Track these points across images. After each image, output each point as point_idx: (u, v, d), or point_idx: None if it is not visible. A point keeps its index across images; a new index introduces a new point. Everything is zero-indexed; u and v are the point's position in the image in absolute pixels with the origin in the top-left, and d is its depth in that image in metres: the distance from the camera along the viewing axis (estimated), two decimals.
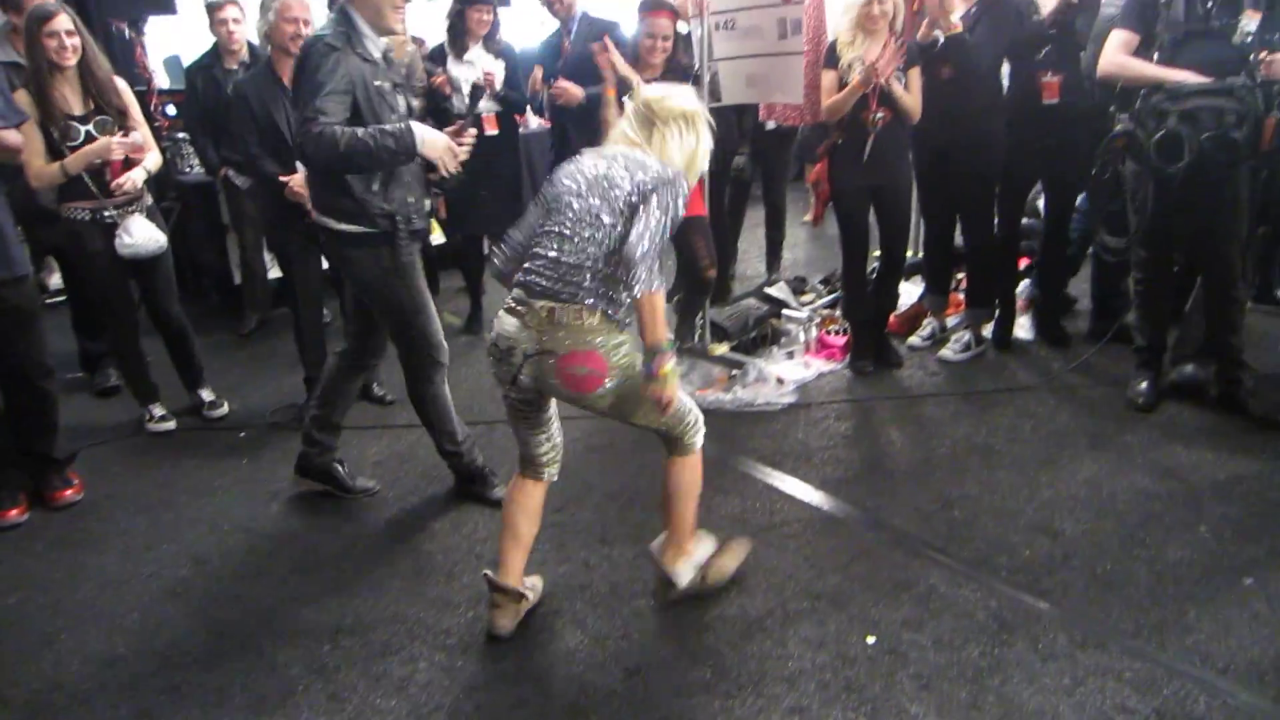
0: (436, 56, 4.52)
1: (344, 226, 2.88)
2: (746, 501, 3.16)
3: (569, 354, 2.31)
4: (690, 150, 2.43)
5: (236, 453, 3.72)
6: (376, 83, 2.73)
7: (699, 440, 2.53)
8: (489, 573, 2.56)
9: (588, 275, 2.30)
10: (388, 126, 2.65)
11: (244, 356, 4.78)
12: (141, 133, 3.61)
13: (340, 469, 3.31)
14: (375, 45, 2.77)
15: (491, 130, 4.54)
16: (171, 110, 5.52)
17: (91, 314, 4.35)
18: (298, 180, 3.58)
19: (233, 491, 3.42)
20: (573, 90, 4.12)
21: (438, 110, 4.53)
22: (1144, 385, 3.65)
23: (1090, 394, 3.79)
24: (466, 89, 4.47)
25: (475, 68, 4.47)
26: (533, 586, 2.67)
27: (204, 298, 5.62)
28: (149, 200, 3.73)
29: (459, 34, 4.45)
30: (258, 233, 4.91)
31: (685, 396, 2.50)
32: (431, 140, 2.70)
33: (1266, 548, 2.73)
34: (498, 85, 4.50)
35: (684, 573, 2.60)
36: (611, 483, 3.35)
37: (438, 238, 5.53)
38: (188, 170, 5.31)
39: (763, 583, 2.71)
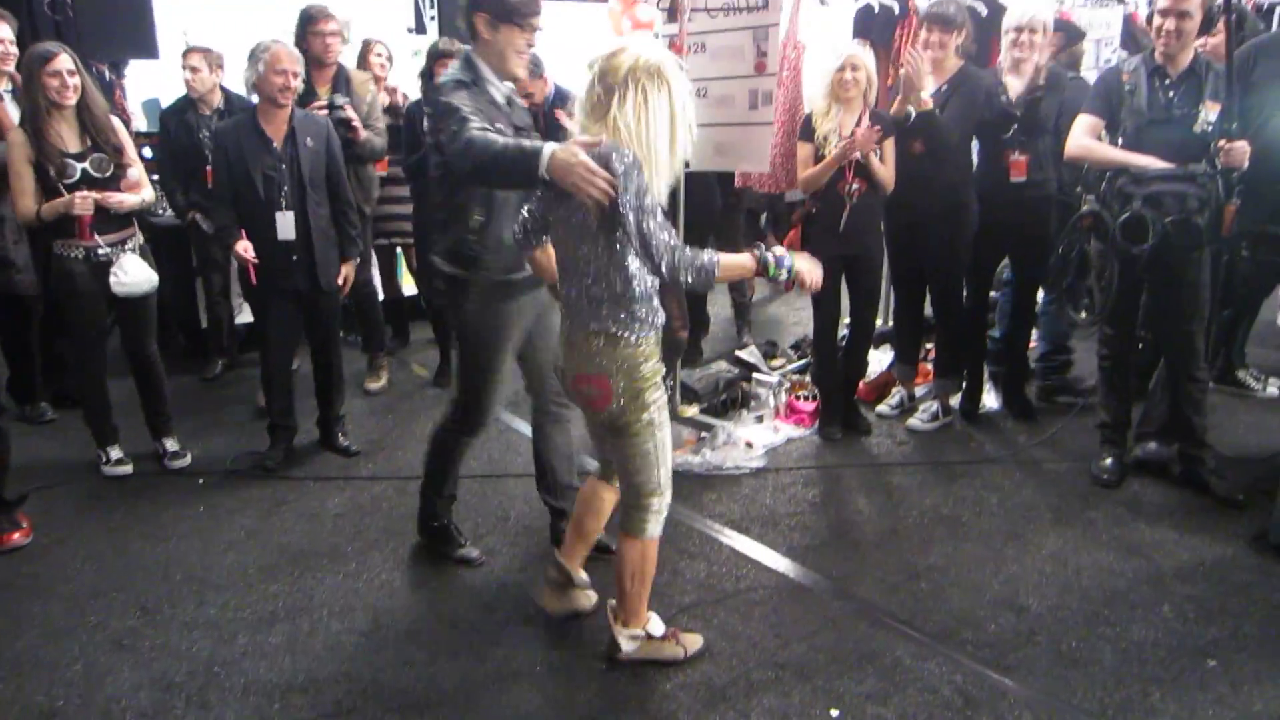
0: (416, 111, 4.54)
1: (455, 270, 2.82)
2: (713, 566, 3.12)
3: (578, 375, 2.36)
4: (657, 115, 2.14)
5: (194, 499, 3.64)
6: (499, 125, 2.59)
7: (653, 527, 2.47)
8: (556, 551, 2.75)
9: (585, 301, 2.30)
10: (525, 142, 2.35)
11: (207, 401, 4.70)
12: (135, 170, 3.62)
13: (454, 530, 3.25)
14: (499, 90, 2.71)
15: None
16: (148, 153, 5.51)
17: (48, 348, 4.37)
18: (241, 248, 3.60)
19: (188, 539, 3.33)
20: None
21: (417, 167, 4.56)
22: (1108, 461, 3.68)
23: (1056, 468, 3.81)
24: None
25: None
26: (586, 588, 2.77)
27: (170, 341, 5.53)
28: (141, 239, 3.71)
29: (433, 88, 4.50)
30: (225, 277, 4.88)
31: (664, 471, 2.43)
32: (561, 161, 2.15)
33: (1229, 630, 2.73)
34: None
35: (627, 644, 2.57)
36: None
37: (409, 289, 5.56)
38: (160, 213, 5.28)
39: (727, 650, 2.67)
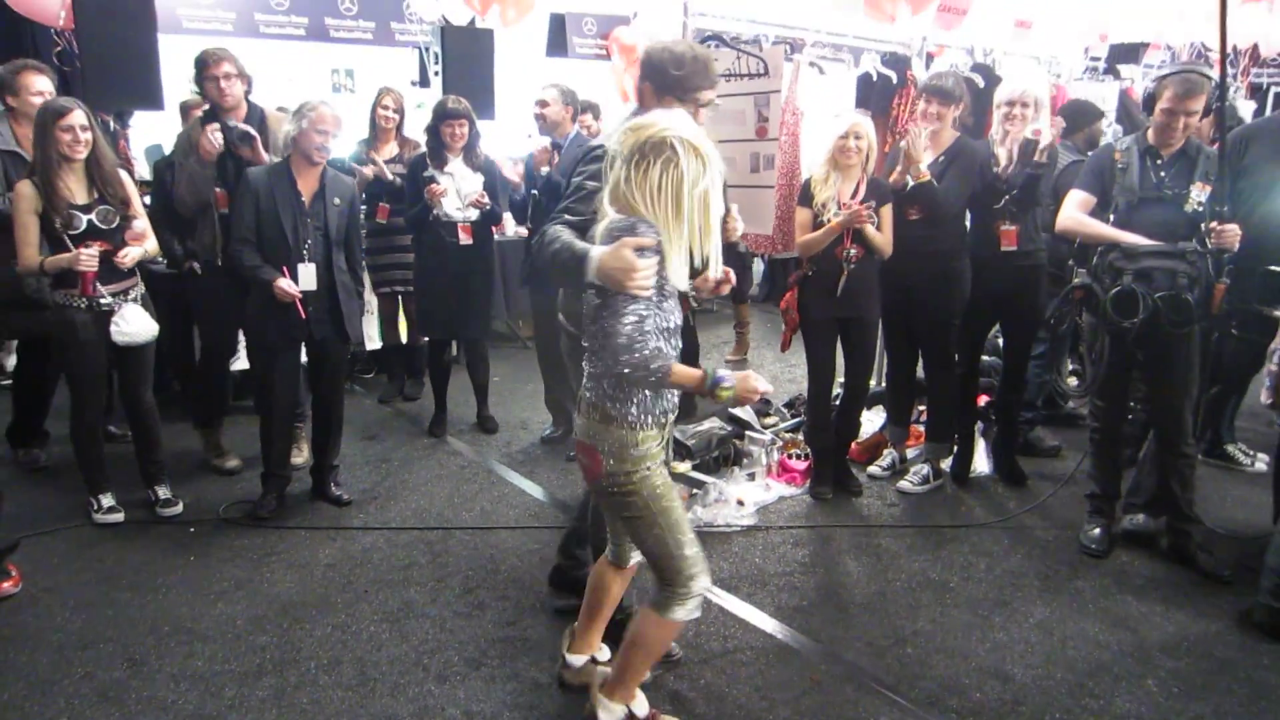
0: (418, 165, 4.64)
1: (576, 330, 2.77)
2: (701, 625, 3.12)
3: (578, 441, 2.38)
4: (665, 184, 2.12)
5: (184, 548, 3.64)
6: None
7: (679, 612, 2.35)
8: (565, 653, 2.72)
9: (584, 372, 2.33)
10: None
11: (201, 448, 4.71)
12: (141, 223, 3.69)
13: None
14: None
15: (466, 239, 4.63)
16: (148, 200, 5.60)
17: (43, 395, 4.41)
18: (285, 284, 3.66)
19: (177, 589, 3.33)
20: None
21: (417, 220, 4.65)
22: (1097, 531, 3.71)
23: (1044, 536, 3.84)
24: (445, 200, 4.58)
25: (455, 179, 4.59)
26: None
27: (165, 387, 5.56)
28: (142, 288, 3.77)
29: (436, 148, 4.59)
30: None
31: (685, 554, 2.33)
32: (604, 264, 2.13)
33: (1212, 707, 2.74)
34: (484, 200, 4.60)
35: (605, 715, 2.49)
36: (566, 597, 3.30)
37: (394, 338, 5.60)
38: (159, 261, 5.34)
39: (712, 712, 2.67)
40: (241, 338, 4.39)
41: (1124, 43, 7.34)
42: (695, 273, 2.32)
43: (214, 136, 3.91)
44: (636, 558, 2.62)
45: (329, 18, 6.63)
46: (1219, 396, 4.16)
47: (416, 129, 5.05)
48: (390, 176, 4.99)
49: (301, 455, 4.26)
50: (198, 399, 4.54)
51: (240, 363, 4.67)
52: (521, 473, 4.45)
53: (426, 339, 5.09)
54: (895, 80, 5.24)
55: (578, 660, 2.73)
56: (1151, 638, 3.10)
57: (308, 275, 3.74)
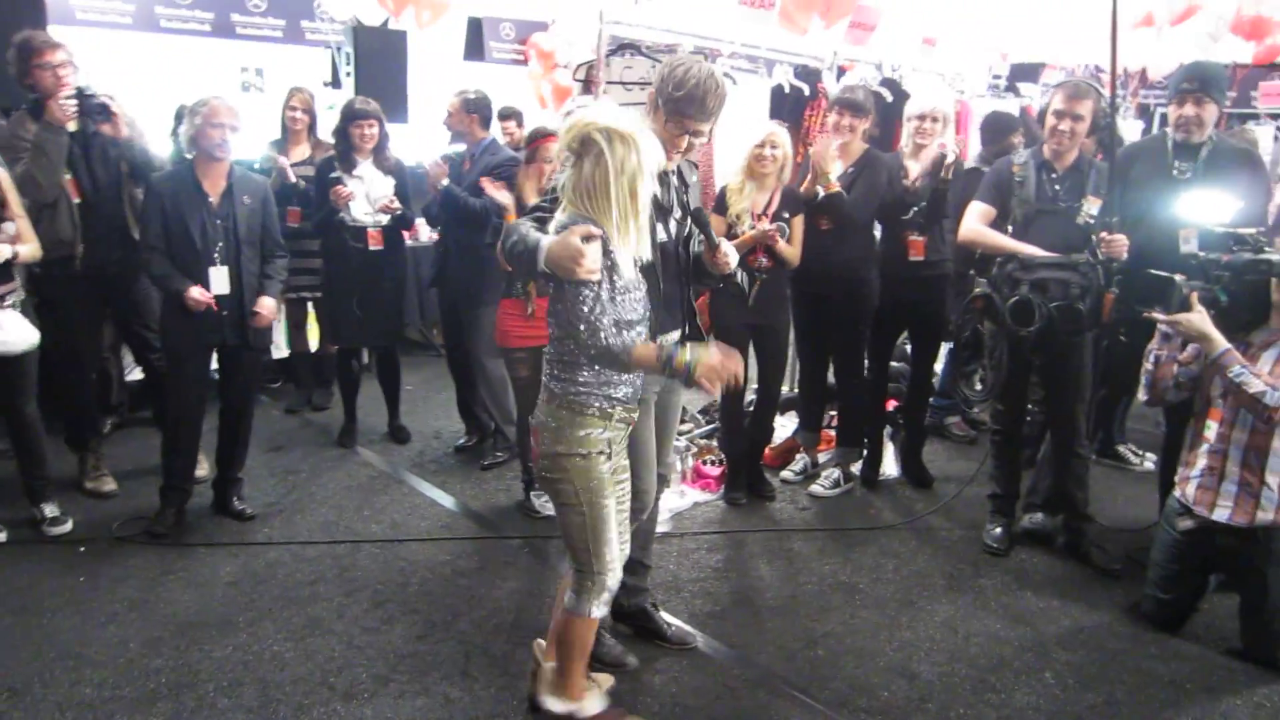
0: (326, 168, 4.52)
1: None
2: (614, 634, 3.12)
3: (530, 425, 2.41)
4: (597, 177, 2.16)
5: (73, 569, 3.45)
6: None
7: (586, 607, 2.41)
8: (540, 641, 2.66)
9: (550, 352, 2.35)
10: (530, 236, 2.31)
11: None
12: (19, 225, 3.47)
13: (655, 611, 3.11)
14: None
15: (376, 245, 4.53)
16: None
17: None
18: (195, 296, 3.53)
19: (64, 612, 3.15)
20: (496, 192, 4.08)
21: (325, 224, 4.54)
22: (998, 530, 3.83)
23: (949, 536, 3.95)
24: (354, 205, 4.47)
25: (365, 182, 4.48)
26: (595, 678, 2.70)
27: (53, 398, 5.29)
28: (23, 294, 3.56)
29: (345, 150, 4.47)
30: (115, 333, 4.64)
31: (603, 552, 2.37)
32: (552, 252, 2.20)
33: (1105, 695, 2.86)
34: (394, 204, 4.51)
35: (553, 706, 2.55)
36: (479, 609, 3.26)
37: (314, 344, 5.45)
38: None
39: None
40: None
41: (1024, 62, 7.65)
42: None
43: (66, 104, 3.61)
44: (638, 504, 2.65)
45: (235, 14, 6.42)
46: (1109, 400, 4.35)
47: (328, 131, 4.92)
48: (294, 178, 4.84)
49: (203, 468, 4.10)
50: (66, 416, 4.18)
51: (136, 373, 4.47)
52: (434, 483, 4.38)
53: (335, 347, 4.96)
54: (807, 92, 5.33)
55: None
56: (1049, 632, 3.22)
57: (219, 279, 3.61)
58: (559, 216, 2.27)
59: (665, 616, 3.14)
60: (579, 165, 2.19)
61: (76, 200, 3.78)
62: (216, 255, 3.61)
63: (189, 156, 3.63)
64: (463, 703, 2.74)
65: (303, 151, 5.07)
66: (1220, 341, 2.93)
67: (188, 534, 3.75)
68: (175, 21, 6.08)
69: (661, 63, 2.71)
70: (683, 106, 2.54)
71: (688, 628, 3.14)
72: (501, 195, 4.02)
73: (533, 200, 3.90)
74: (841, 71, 5.69)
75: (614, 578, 2.43)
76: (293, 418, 5.29)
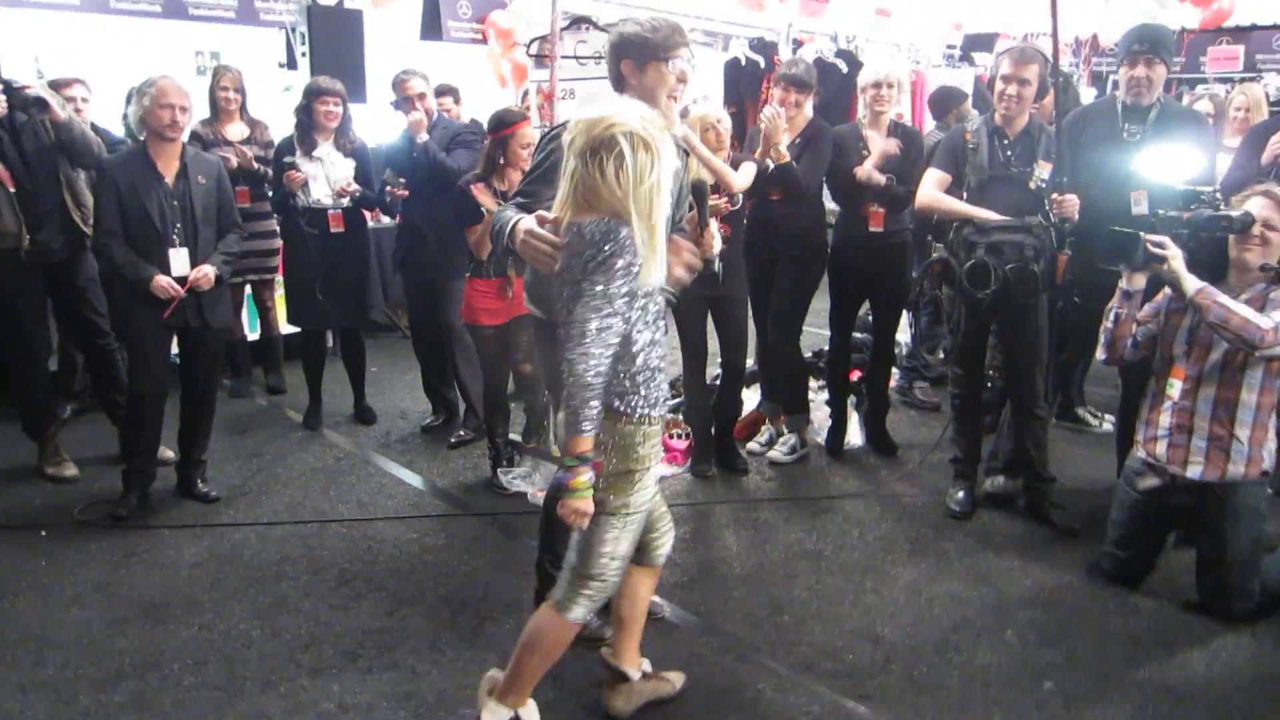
0: (285, 149, 4.47)
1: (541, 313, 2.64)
2: None
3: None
4: (621, 179, 2.05)
5: (34, 553, 3.41)
6: None
7: (580, 611, 2.29)
8: (606, 649, 2.57)
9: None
10: (508, 215, 2.34)
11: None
12: None
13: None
14: None
15: (337, 228, 4.48)
16: None
17: None
18: (162, 283, 3.50)
19: (25, 595, 3.12)
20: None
21: (284, 205, 4.48)
22: (960, 494, 3.89)
23: (913, 502, 4.00)
24: (314, 186, 4.42)
25: (325, 164, 4.43)
26: (665, 676, 2.65)
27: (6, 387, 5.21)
28: None
29: (307, 129, 4.41)
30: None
31: (616, 563, 2.28)
32: (518, 233, 2.25)
33: (1064, 652, 2.92)
34: (352, 188, 4.46)
35: (490, 716, 2.35)
36: (447, 585, 3.26)
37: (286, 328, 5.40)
38: None
39: (593, 693, 2.68)
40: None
41: (978, 33, 7.70)
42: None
43: None
44: (665, 550, 2.55)
45: None
46: (1067, 362, 4.41)
47: (285, 112, 4.84)
48: (235, 160, 4.72)
49: (166, 453, 4.05)
50: (21, 405, 4.12)
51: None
52: (401, 463, 4.36)
53: (298, 329, 4.90)
54: (763, 65, 5.35)
55: (634, 673, 2.58)
56: (1010, 592, 3.28)
57: (179, 260, 3.58)
58: (588, 220, 2.10)
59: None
60: (594, 163, 2.07)
61: (11, 189, 3.69)
62: (175, 236, 3.57)
63: (140, 138, 3.57)
64: (430, 675, 2.75)
65: (239, 130, 4.99)
66: (1195, 280, 2.95)
67: (151, 517, 3.72)
68: (125, 3, 5.93)
69: (616, 38, 2.60)
70: (672, 39, 2.53)
71: (655, 598, 3.16)
72: (492, 204, 3.91)
73: (504, 186, 3.90)
74: (798, 44, 5.71)
75: (611, 588, 2.32)
76: (256, 401, 5.23)
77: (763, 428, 4.64)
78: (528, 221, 2.25)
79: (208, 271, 3.62)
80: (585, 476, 2.11)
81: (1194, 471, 3.05)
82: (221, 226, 3.74)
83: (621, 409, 2.20)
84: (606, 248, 2.06)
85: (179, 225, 3.57)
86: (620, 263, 2.07)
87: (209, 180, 3.67)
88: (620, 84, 2.60)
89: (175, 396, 3.86)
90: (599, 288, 2.07)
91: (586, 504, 2.13)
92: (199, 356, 3.79)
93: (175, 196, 3.57)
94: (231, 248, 3.79)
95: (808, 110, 4.16)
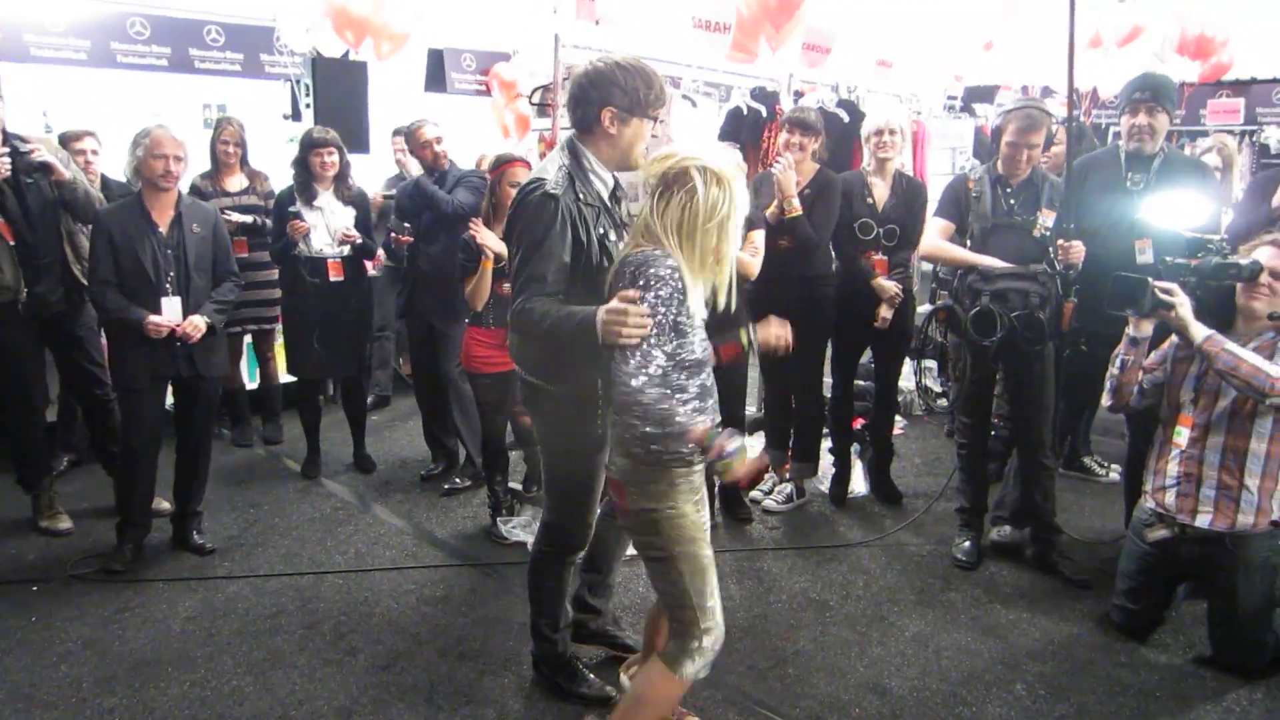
0: (286, 200, 4.49)
1: (538, 380, 2.59)
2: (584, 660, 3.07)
3: (609, 479, 2.32)
4: (686, 214, 2.10)
5: (27, 608, 3.35)
6: (599, 231, 2.44)
7: (688, 668, 2.23)
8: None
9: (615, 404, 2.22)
10: (576, 313, 2.26)
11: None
12: None
13: (620, 630, 3.07)
14: (605, 183, 2.51)
15: (337, 276, 4.49)
16: None
17: None
18: (156, 321, 3.50)
19: (15, 653, 3.06)
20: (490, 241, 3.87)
21: (285, 255, 4.50)
22: (967, 544, 3.83)
23: (918, 551, 3.94)
24: (315, 236, 4.44)
25: (325, 213, 4.46)
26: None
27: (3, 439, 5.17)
28: None
29: (306, 180, 4.44)
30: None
31: (704, 606, 2.24)
32: (604, 326, 2.16)
33: (1075, 705, 2.85)
34: (355, 236, 4.49)
35: None
36: (444, 638, 3.20)
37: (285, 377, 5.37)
38: None
39: None
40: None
41: (979, 85, 7.80)
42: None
43: (1, 161, 3.58)
44: None
45: (194, 48, 6.36)
46: (1073, 411, 4.37)
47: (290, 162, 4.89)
48: (239, 219, 4.78)
49: (162, 503, 4.00)
50: (16, 457, 4.07)
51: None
52: (399, 512, 4.31)
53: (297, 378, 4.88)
54: (765, 114, 5.39)
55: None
56: (1019, 644, 3.21)
57: (172, 309, 3.58)
58: (627, 252, 2.19)
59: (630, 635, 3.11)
60: (666, 198, 2.12)
61: (11, 243, 3.70)
62: (169, 285, 3.58)
63: (135, 189, 3.59)
64: None
65: (239, 182, 5.03)
66: (1203, 327, 2.94)
67: (145, 570, 3.66)
68: (132, 57, 6.02)
69: (581, 68, 2.52)
70: (656, 101, 2.46)
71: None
72: (492, 241, 3.91)
73: (502, 230, 3.90)
74: (799, 95, 5.77)
75: (717, 636, 2.27)
76: (254, 451, 5.19)
77: (765, 476, 4.59)
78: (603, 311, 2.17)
79: (197, 323, 3.60)
80: (727, 450, 2.12)
81: (1203, 521, 3.00)
82: (217, 275, 3.75)
83: (637, 451, 2.17)
84: (643, 279, 2.10)
85: (172, 274, 3.58)
86: (663, 292, 2.11)
87: (204, 229, 3.68)
88: (590, 126, 2.46)
89: (171, 447, 3.83)
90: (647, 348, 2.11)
91: (747, 463, 2.18)
92: (194, 406, 3.76)
93: (169, 245, 3.58)
94: (226, 296, 3.78)
95: (812, 158, 4.18)
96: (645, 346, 2.12)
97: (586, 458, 2.60)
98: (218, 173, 5.03)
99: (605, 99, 2.42)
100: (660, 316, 2.12)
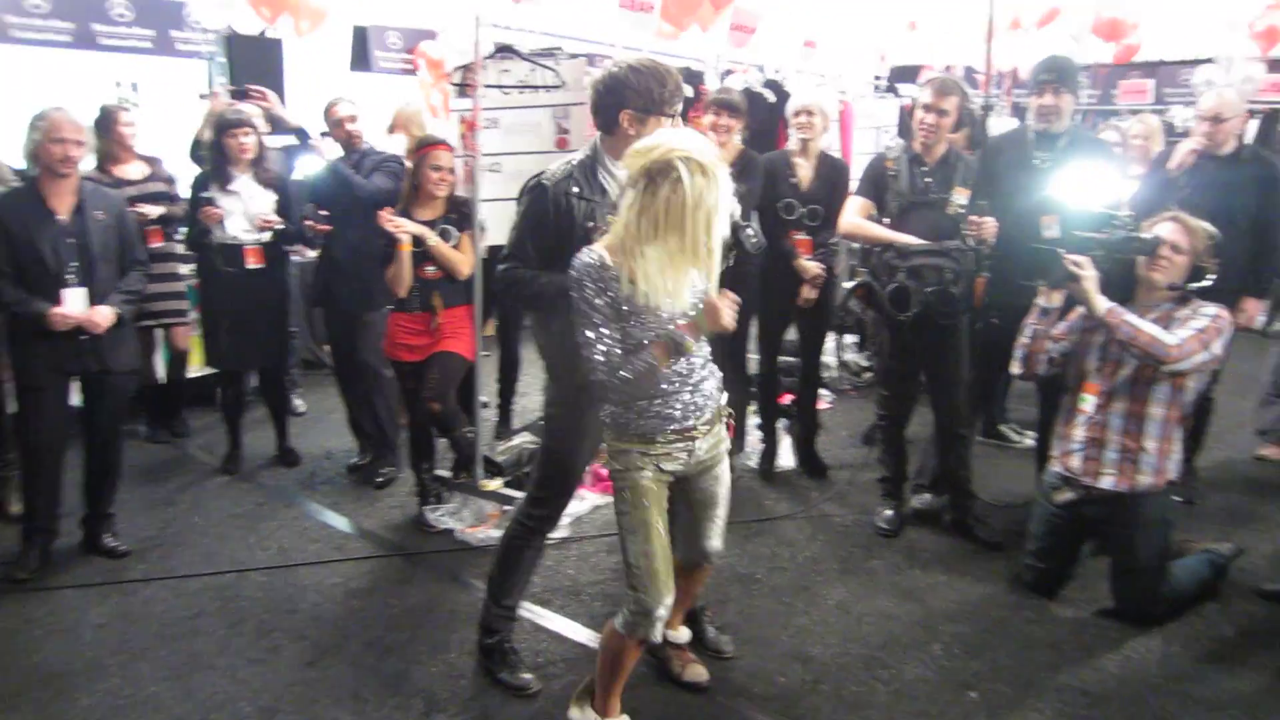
0: (200, 184, 4.35)
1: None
2: (513, 641, 3.06)
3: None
4: (672, 205, 2.12)
5: None
6: (587, 224, 2.52)
7: (636, 630, 2.38)
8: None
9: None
10: (557, 278, 2.42)
11: None
12: None
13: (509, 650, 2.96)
14: (617, 180, 2.52)
15: (255, 263, 4.36)
16: None
17: None
18: (61, 312, 3.36)
19: None
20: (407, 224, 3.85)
21: (199, 243, 4.37)
22: (888, 513, 3.93)
23: (842, 522, 4.03)
24: (231, 222, 4.32)
25: (243, 198, 4.33)
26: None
27: None
28: None
29: (220, 163, 4.30)
30: None
31: (642, 573, 2.36)
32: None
33: (989, 662, 2.96)
34: (275, 221, 4.36)
35: (578, 713, 2.59)
36: (372, 630, 3.17)
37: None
38: None
39: None
40: None
41: (903, 65, 7.94)
42: None
43: None
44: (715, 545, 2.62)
45: (97, 23, 6.07)
46: (987, 381, 4.50)
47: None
48: (153, 210, 4.57)
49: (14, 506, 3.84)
50: None
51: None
52: (325, 504, 4.25)
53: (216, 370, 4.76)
54: (691, 94, 5.39)
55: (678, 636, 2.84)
56: (936, 606, 3.31)
57: (75, 300, 3.42)
58: (601, 249, 2.26)
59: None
60: (651, 190, 2.12)
61: None
62: (70, 276, 3.41)
63: (32, 174, 3.44)
64: None
65: (138, 169, 4.70)
66: (1105, 301, 3.06)
67: (53, 577, 3.52)
68: (29, 32, 5.72)
69: (600, 74, 2.60)
70: (672, 100, 2.52)
71: (589, 631, 3.12)
72: (409, 225, 3.82)
73: (425, 213, 3.87)
74: (728, 74, 5.77)
75: (652, 600, 2.35)
76: (170, 447, 5.03)
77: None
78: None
79: (104, 313, 3.46)
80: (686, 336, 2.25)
81: (1106, 483, 3.14)
82: (123, 264, 3.60)
83: (603, 417, 2.40)
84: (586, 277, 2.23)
85: (75, 264, 3.42)
86: (600, 301, 2.22)
87: (109, 215, 3.53)
88: (610, 129, 2.56)
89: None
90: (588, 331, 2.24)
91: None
92: (102, 402, 3.63)
93: (71, 234, 3.42)
94: (134, 286, 3.64)
95: (737, 139, 4.20)
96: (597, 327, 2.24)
97: (579, 441, 2.74)
98: (112, 159, 4.66)
99: (621, 102, 2.50)
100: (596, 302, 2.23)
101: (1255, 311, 4.08)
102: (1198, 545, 3.43)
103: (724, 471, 2.56)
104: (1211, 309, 3.08)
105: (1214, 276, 3.17)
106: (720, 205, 2.17)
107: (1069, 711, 2.71)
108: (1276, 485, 4.43)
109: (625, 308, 2.24)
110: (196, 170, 4.60)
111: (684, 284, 2.25)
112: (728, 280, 4.03)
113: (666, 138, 2.17)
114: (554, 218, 2.53)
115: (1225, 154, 3.99)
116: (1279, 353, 4.89)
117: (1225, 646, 3.05)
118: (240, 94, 5.06)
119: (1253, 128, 7.88)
